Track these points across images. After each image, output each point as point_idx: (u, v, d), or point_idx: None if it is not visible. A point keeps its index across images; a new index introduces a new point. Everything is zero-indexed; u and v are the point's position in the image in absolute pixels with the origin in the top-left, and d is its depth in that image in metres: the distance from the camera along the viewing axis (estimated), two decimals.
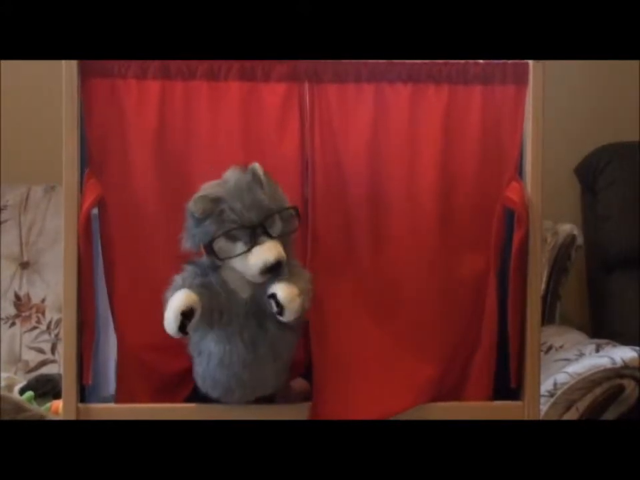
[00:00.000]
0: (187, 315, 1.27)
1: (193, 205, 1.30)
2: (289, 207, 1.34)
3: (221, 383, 1.35)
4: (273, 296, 1.29)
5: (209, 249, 1.31)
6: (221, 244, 1.30)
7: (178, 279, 1.33)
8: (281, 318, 1.30)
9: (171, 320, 1.27)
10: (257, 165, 1.33)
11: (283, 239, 1.32)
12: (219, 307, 1.33)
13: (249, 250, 1.29)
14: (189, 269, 1.34)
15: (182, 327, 1.27)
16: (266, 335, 1.34)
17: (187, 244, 1.33)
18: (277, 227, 1.31)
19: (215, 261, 1.32)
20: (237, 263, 1.31)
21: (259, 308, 1.34)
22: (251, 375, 1.34)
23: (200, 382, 1.37)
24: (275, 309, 1.29)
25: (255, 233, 1.29)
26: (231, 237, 1.30)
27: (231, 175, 1.33)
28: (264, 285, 1.32)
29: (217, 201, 1.30)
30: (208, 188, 1.32)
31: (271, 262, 1.28)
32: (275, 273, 1.30)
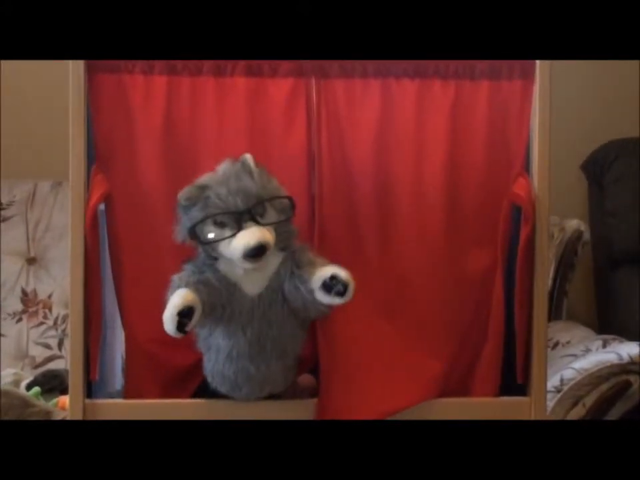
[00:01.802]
0: (184, 315, 1.26)
1: (180, 194, 1.31)
2: (282, 196, 1.33)
3: (228, 378, 1.35)
4: (335, 277, 1.28)
5: (194, 234, 1.31)
6: (209, 231, 1.30)
7: (175, 278, 1.32)
8: (340, 300, 1.29)
9: (168, 321, 1.27)
10: (247, 156, 1.33)
11: (279, 228, 1.32)
12: (219, 302, 1.33)
13: (233, 235, 1.29)
14: (186, 268, 1.34)
15: (180, 327, 1.27)
16: (271, 333, 1.34)
17: (179, 235, 1.33)
18: (269, 215, 1.31)
19: (205, 248, 1.32)
20: (224, 249, 1.31)
21: (266, 307, 1.34)
22: (258, 370, 1.34)
23: (209, 378, 1.38)
24: (337, 289, 1.28)
25: (240, 219, 1.29)
26: (219, 224, 1.30)
27: (223, 165, 1.34)
28: (275, 284, 1.33)
29: (202, 188, 1.31)
30: (199, 178, 1.33)
31: (251, 245, 1.27)
32: (259, 258, 1.29)
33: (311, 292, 1.31)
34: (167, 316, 1.27)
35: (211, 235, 1.30)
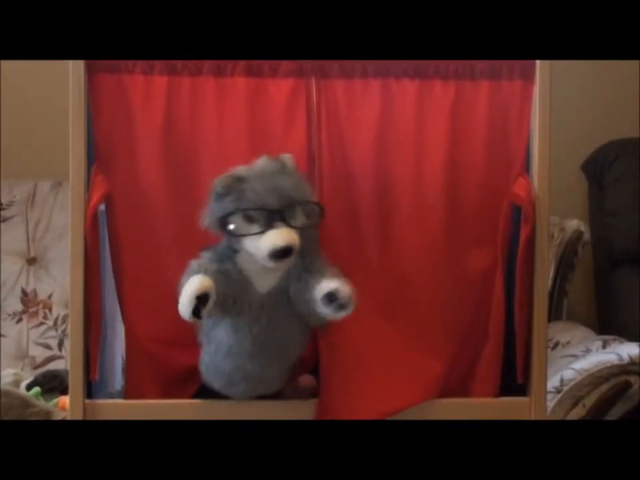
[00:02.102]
0: (201, 300, 1.26)
1: (216, 181, 1.31)
2: (313, 202, 1.34)
3: (225, 374, 1.35)
4: (335, 292, 1.28)
5: (224, 225, 1.31)
6: (238, 223, 1.30)
7: (194, 264, 1.32)
8: (337, 315, 1.29)
9: (185, 304, 1.26)
10: (288, 156, 1.34)
11: (304, 232, 1.31)
12: (232, 294, 1.32)
13: (262, 232, 1.29)
14: (205, 255, 1.33)
15: (196, 312, 1.26)
16: (275, 333, 1.34)
17: (205, 221, 1.32)
18: (298, 218, 1.31)
19: (229, 239, 1.32)
20: (249, 244, 1.30)
21: (274, 305, 1.33)
22: (256, 369, 1.34)
23: (204, 370, 1.37)
24: (338, 303, 1.28)
25: (272, 218, 1.29)
26: (249, 218, 1.30)
27: (262, 161, 1.33)
28: (284, 283, 1.33)
29: (240, 179, 1.30)
30: (236, 169, 1.33)
31: (280, 246, 1.27)
32: (284, 259, 1.29)
33: (313, 300, 1.31)
34: (185, 299, 1.26)
35: (232, 227, 1.30)
